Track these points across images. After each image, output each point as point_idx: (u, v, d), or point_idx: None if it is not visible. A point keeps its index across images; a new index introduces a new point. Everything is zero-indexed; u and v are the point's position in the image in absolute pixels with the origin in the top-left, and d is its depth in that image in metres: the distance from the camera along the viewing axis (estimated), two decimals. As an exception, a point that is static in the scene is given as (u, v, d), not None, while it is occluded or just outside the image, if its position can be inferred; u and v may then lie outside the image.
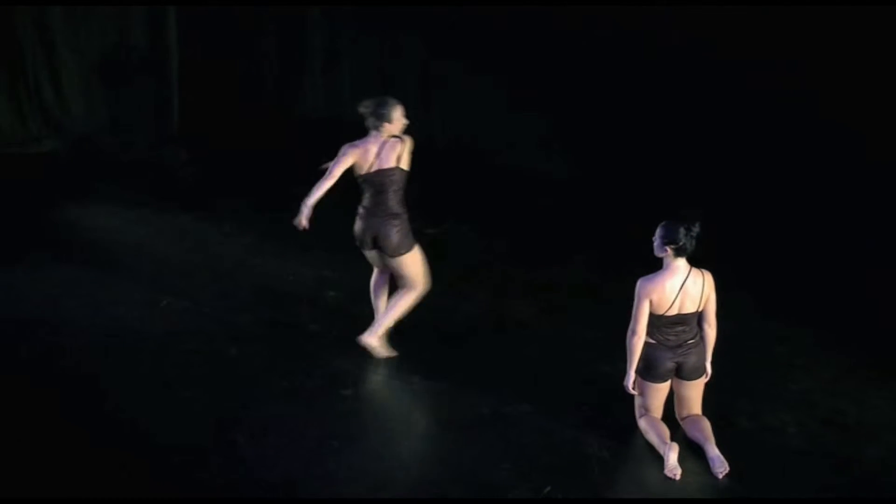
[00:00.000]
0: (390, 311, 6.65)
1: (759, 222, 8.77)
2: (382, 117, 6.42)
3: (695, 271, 5.68)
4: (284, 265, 8.15)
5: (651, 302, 5.67)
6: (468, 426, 6.03)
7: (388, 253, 6.53)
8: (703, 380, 5.88)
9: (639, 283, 5.70)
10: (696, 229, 5.58)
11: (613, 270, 7.74)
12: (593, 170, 9.74)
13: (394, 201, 6.47)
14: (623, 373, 5.85)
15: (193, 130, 10.87)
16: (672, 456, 5.61)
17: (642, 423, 5.89)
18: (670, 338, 5.74)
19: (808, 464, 5.76)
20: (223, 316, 7.30)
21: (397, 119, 6.46)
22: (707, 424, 5.83)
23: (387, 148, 6.45)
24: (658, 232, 5.66)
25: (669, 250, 5.62)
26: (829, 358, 6.87)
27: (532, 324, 7.30)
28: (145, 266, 8.09)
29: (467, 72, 10.39)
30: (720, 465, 5.59)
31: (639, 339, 5.73)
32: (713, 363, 5.89)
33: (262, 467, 5.60)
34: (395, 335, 7.03)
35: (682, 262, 5.65)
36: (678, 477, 5.55)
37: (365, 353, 6.72)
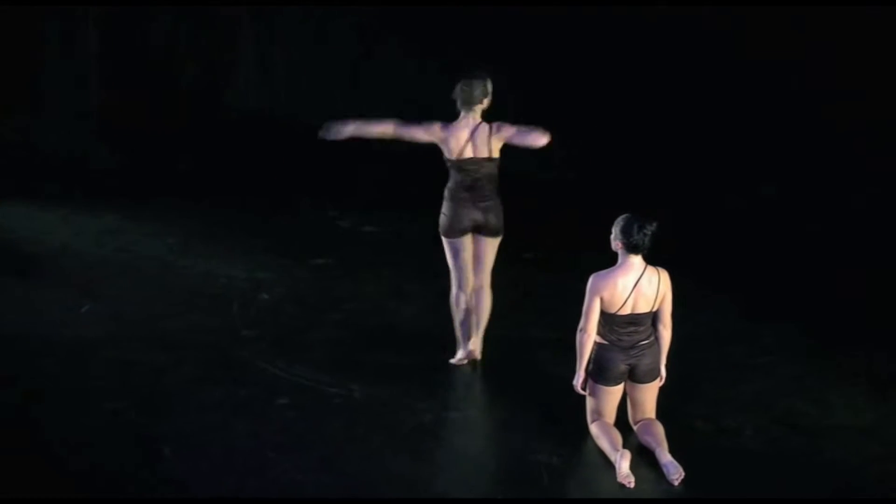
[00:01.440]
0: (486, 313, 6.64)
1: (718, 221, 8.87)
2: (474, 99, 6.34)
3: (650, 269, 5.70)
4: (214, 267, 8.11)
5: (602, 299, 5.68)
6: (410, 434, 6.02)
7: (490, 234, 6.51)
8: (657, 383, 5.91)
9: (590, 278, 5.72)
10: (651, 227, 5.61)
11: (567, 271, 7.75)
12: (564, 168, 9.79)
13: (490, 187, 6.47)
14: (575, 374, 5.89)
15: (115, 127, 10.76)
16: (624, 464, 5.60)
17: (594, 429, 5.89)
18: (623, 338, 5.76)
19: (766, 467, 5.80)
20: (148, 321, 7.25)
21: (487, 98, 6.36)
22: (660, 429, 5.86)
23: (479, 133, 6.37)
24: (614, 226, 5.70)
25: (622, 246, 5.68)
26: (787, 358, 6.94)
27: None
28: (65, 269, 7.99)
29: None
30: (675, 472, 5.63)
31: (588, 338, 5.75)
32: (668, 366, 5.93)
33: (192, 484, 5.54)
34: (334, 340, 7.02)
35: (636, 260, 5.67)
36: (632, 485, 5.55)
37: (302, 358, 6.72)
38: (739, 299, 7.70)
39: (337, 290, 7.80)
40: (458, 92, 6.39)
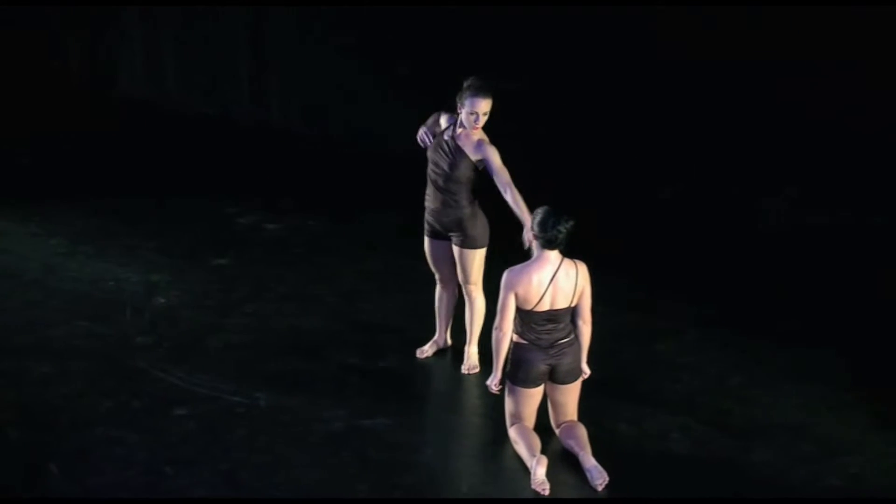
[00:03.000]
0: (474, 324, 6.71)
1: (643, 217, 8.99)
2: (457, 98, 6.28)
3: (567, 263, 5.73)
4: (104, 269, 8.01)
5: (517, 295, 5.70)
6: (319, 444, 6.01)
7: (458, 244, 6.57)
8: (578, 383, 5.95)
9: (504, 274, 5.75)
10: (567, 224, 5.64)
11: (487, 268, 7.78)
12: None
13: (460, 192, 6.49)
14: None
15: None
16: (539, 470, 5.64)
17: (512, 433, 5.93)
18: (542, 337, 5.78)
19: (693, 470, 5.89)
20: (32, 329, 7.13)
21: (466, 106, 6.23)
22: (583, 432, 5.90)
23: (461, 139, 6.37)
24: (531, 217, 5.74)
25: (538, 239, 5.70)
26: (714, 356, 7.05)
27: (391, 326, 7.31)
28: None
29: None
30: (598, 476, 5.67)
31: (504, 336, 5.77)
32: (590, 363, 5.98)
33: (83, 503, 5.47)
34: (235, 346, 6.96)
35: (552, 254, 5.70)
36: (546, 492, 5.60)
37: (201, 366, 6.69)
38: (663, 296, 7.80)
39: (238, 292, 7.75)
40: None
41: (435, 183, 6.44)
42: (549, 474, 5.68)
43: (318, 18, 10.49)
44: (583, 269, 5.79)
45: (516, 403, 5.93)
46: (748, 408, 6.47)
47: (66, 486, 5.59)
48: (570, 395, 5.95)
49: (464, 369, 6.73)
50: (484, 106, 6.19)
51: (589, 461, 5.73)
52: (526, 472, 5.74)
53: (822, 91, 8.40)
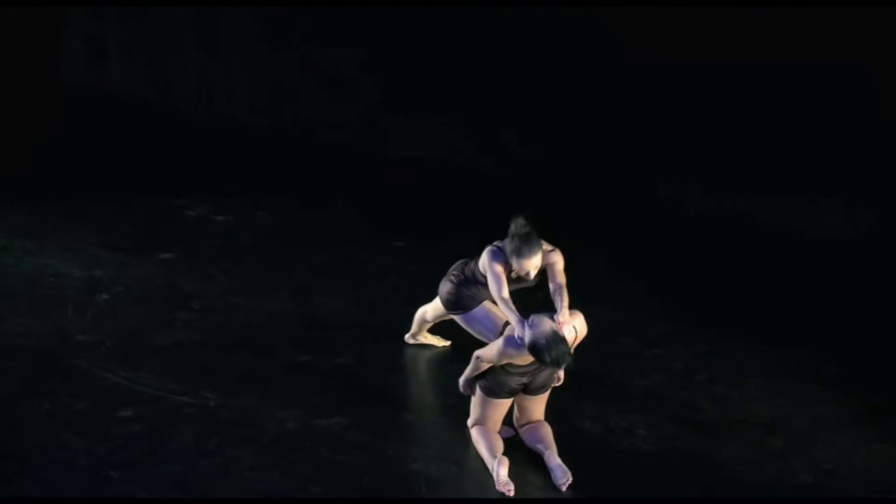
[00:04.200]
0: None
1: (609, 204, 9.05)
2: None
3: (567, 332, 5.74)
4: (44, 264, 7.93)
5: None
6: (272, 445, 6.01)
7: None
8: (548, 392, 6.00)
9: (504, 342, 5.77)
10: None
11: (439, 257, 7.76)
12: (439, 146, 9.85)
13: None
14: (459, 374, 5.98)
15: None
16: (502, 471, 5.70)
17: (474, 433, 6.00)
18: (516, 374, 5.84)
19: (660, 468, 5.95)
20: (-35, 328, 7.07)
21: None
22: (547, 431, 5.95)
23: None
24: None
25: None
26: (680, 349, 7.10)
27: (347, 322, 7.30)
28: None
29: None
30: (562, 476, 5.72)
31: (482, 364, 5.88)
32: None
33: (21, 509, 5.43)
34: (184, 343, 6.92)
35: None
36: (511, 493, 5.66)
37: (148, 365, 6.66)
38: (629, 289, 7.86)
39: (185, 287, 7.71)
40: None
41: None
42: (514, 475, 5.71)
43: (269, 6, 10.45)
44: (580, 322, 5.87)
45: (483, 410, 5.98)
46: (717, 403, 6.53)
47: (2, 491, 5.54)
48: (539, 403, 6.02)
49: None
50: (536, 262, 6.06)
51: (553, 460, 5.78)
52: (488, 473, 5.78)
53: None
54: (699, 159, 8.98)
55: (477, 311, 6.30)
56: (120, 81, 11.07)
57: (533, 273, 6.07)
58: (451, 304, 6.39)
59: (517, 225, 6.02)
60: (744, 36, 8.58)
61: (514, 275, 6.10)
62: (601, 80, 9.19)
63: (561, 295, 5.94)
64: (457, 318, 6.42)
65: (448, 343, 6.94)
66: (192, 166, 9.89)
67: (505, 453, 5.86)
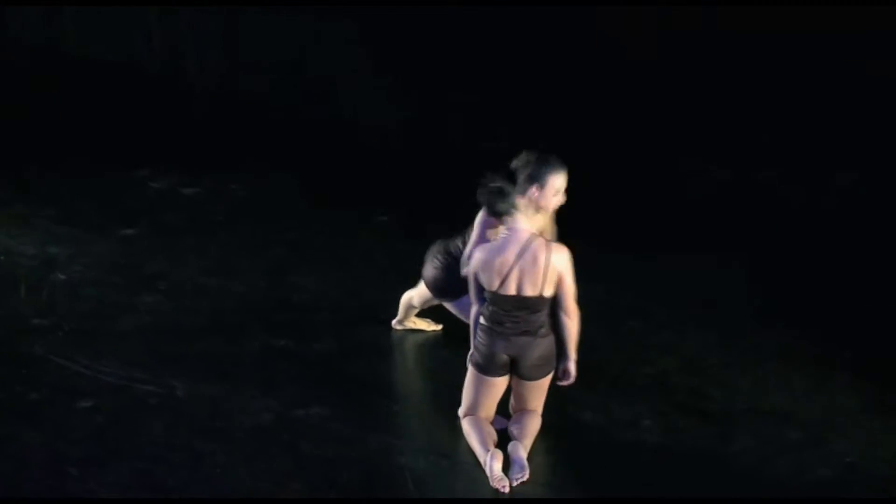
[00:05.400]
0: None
1: (615, 183, 9.06)
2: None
3: (540, 245, 5.67)
4: (-9, 242, 8.01)
5: (478, 276, 5.76)
6: (245, 439, 5.99)
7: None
8: (545, 381, 5.94)
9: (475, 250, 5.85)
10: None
11: (422, 233, 7.71)
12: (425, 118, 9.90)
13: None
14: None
15: None
16: (496, 465, 5.66)
17: (465, 425, 5.95)
18: (506, 324, 5.78)
19: (667, 462, 5.89)
20: None
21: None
22: (532, 422, 5.91)
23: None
24: None
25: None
26: (688, 334, 7.05)
27: (325, 305, 7.24)
28: None
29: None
30: (519, 471, 5.67)
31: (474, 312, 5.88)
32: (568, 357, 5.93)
33: (-28, 509, 5.45)
34: (148, 328, 6.92)
35: (522, 232, 5.68)
36: (506, 489, 5.61)
37: (109, 351, 6.62)
38: (633, 270, 7.83)
39: (150, 267, 7.71)
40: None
41: None
42: (508, 469, 5.69)
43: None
44: (559, 254, 5.71)
45: (475, 391, 5.94)
46: (727, 391, 6.49)
47: (-48, 490, 5.56)
48: (533, 392, 5.96)
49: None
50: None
51: (517, 452, 5.75)
52: (480, 467, 5.72)
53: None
54: (705, 136, 9.10)
55: (468, 296, 6.24)
56: (77, 40, 11.00)
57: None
58: (439, 291, 6.42)
59: (490, 182, 5.81)
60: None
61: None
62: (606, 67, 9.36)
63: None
64: (446, 304, 6.42)
65: (439, 327, 6.94)
66: (156, 133, 9.88)
67: (499, 446, 5.82)
